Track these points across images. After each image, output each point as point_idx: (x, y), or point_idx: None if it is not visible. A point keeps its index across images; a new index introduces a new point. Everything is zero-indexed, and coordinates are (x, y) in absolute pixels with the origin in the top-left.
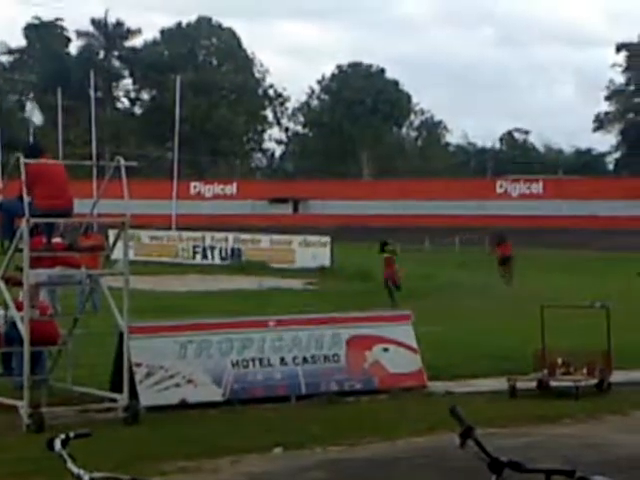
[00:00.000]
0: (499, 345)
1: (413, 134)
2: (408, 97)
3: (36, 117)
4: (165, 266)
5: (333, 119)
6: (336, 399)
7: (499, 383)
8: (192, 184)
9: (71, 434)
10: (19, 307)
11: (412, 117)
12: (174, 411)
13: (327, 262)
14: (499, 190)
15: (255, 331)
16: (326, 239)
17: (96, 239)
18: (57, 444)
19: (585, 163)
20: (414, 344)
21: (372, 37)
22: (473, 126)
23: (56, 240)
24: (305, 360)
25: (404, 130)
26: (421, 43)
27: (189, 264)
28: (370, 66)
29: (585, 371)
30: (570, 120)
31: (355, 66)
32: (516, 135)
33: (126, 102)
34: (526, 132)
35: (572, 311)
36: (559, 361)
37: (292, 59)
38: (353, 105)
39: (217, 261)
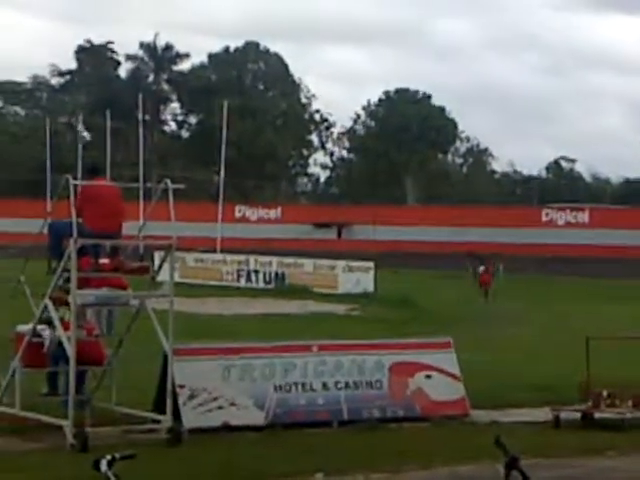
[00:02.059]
0: (543, 374)
1: (459, 161)
2: (454, 124)
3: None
4: (209, 289)
5: (379, 144)
6: (378, 425)
7: (543, 413)
8: (237, 207)
9: (117, 455)
10: (66, 327)
11: (458, 144)
12: (216, 433)
13: (370, 288)
14: (545, 218)
15: (298, 355)
16: (370, 265)
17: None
18: (103, 465)
19: (632, 192)
20: (457, 372)
21: (419, 63)
22: (519, 154)
23: (103, 261)
24: (347, 386)
25: (450, 157)
26: (468, 70)
27: (233, 287)
28: (417, 92)
29: (630, 403)
30: (617, 149)
31: (402, 92)
32: (563, 163)
33: (173, 125)
34: (573, 161)
35: (618, 342)
36: (604, 393)
37: (338, 84)
38: (399, 131)
39: (261, 285)
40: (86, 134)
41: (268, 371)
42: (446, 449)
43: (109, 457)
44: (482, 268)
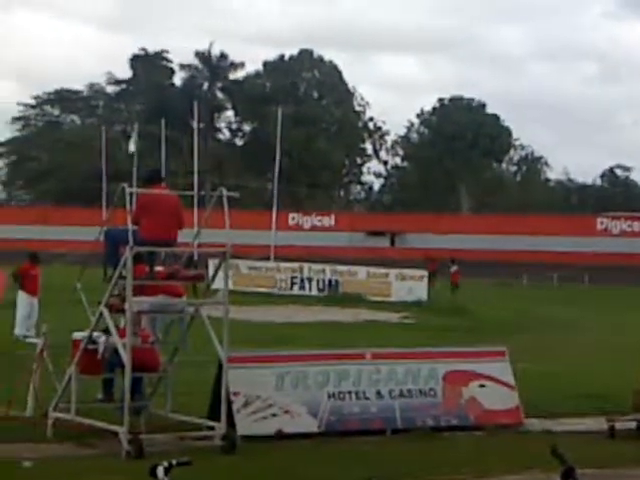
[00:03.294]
0: (598, 384)
1: (513, 169)
2: (508, 132)
3: (131, 145)
4: (263, 296)
5: (432, 153)
6: (432, 434)
7: (597, 423)
8: (291, 215)
9: (173, 462)
10: (121, 334)
11: (512, 152)
12: (270, 441)
13: (424, 296)
14: (600, 227)
15: (352, 363)
16: (423, 273)
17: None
18: (160, 471)
19: None
20: (511, 381)
21: (473, 71)
22: (574, 162)
23: (158, 269)
24: (401, 394)
25: (504, 165)
26: (523, 77)
27: (287, 295)
28: (471, 100)
29: None
30: None
31: (456, 100)
32: (618, 172)
33: (227, 133)
34: (628, 169)
35: None
36: None
37: (392, 92)
38: (453, 139)
39: (314, 292)
40: (139, 143)
41: (322, 379)
42: (500, 458)
43: (166, 464)
44: (454, 268)
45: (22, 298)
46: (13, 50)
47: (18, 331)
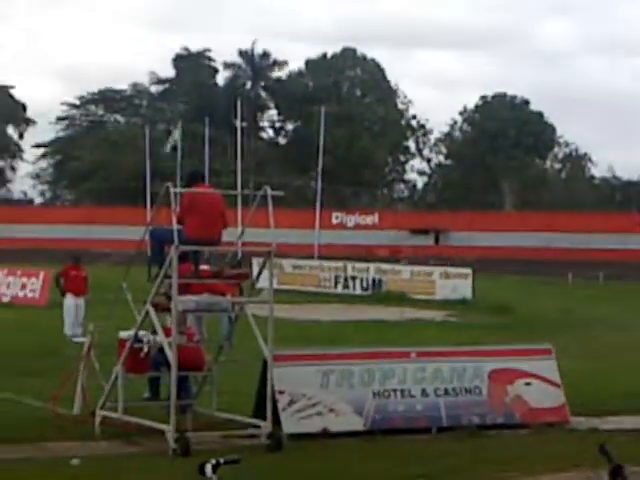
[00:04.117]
0: None
1: (557, 166)
2: (552, 129)
3: (173, 138)
4: (307, 295)
5: (476, 150)
6: (477, 432)
7: None
8: (334, 214)
9: (221, 460)
10: (167, 333)
11: (556, 149)
12: (315, 439)
13: (468, 294)
14: None
15: (397, 362)
16: (467, 271)
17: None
18: (208, 469)
19: None
20: (557, 379)
21: (516, 68)
22: (619, 159)
23: (203, 268)
24: (447, 392)
25: (548, 162)
26: (566, 74)
27: (330, 293)
28: (514, 97)
29: None
30: None
31: (499, 97)
32: None
33: (270, 132)
34: None
35: None
36: None
37: (435, 90)
38: (496, 136)
39: (358, 291)
40: (182, 142)
41: (367, 377)
42: (546, 456)
43: (214, 462)
44: None
45: (66, 299)
46: (57, 51)
47: (66, 331)
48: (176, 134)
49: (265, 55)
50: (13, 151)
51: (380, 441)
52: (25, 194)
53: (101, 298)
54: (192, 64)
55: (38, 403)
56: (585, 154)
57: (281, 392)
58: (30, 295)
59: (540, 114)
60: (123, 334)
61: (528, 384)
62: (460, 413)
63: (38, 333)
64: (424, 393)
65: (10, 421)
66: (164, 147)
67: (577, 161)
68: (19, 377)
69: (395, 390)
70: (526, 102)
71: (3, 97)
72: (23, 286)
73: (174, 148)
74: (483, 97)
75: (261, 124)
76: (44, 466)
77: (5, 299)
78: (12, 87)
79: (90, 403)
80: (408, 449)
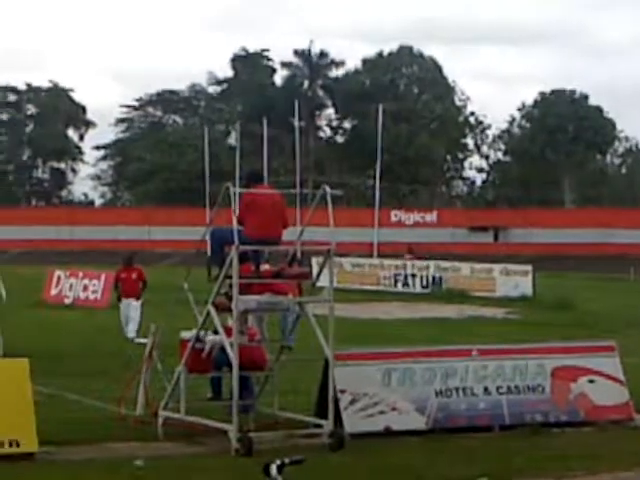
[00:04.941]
0: None
1: (617, 161)
2: (612, 124)
3: (232, 139)
4: (366, 294)
5: (535, 146)
6: (540, 430)
7: None
8: (393, 212)
9: (286, 460)
10: (228, 333)
11: (616, 144)
12: (377, 438)
13: (529, 291)
14: None
15: (458, 360)
16: (528, 268)
17: None
18: (273, 470)
19: None
20: (620, 376)
21: (575, 63)
22: None
23: (264, 267)
24: (509, 390)
25: (608, 157)
26: (626, 68)
27: (390, 292)
28: (573, 92)
29: None
30: None
31: (558, 92)
32: None
33: (328, 131)
34: None
35: None
36: None
37: (493, 86)
38: (555, 132)
39: (418, 289)
40: (240, 142)
41: (429, 376)
42: (611, 454)
43: (279, 462)
44: (409, 257)
45: (122, 302)
46: (116, 53)
47: (127, 333)
48: (233, 139)
49: (322, 54)
50: (74, 153)
51: (442, 440)
52: (86, 196)
53: (162, 299)
54: (250, 64)
55: (101, 404)
56: None
57: (343, 391)
58: (92, 297)
59: (599, 109)
60: (185, 334)
61: (592, 381)
62: (523, 411)
63: (99, 334)
64: (486, 391)
65: (74, 422)
66: (225, 147)
67: (638, 156)
68: (82, 378)
69: (457, 388)
70: (585, 97)
71: (63, 100)
72: (85, 288)
73: (233, 148)
74: (542, 93)
75: (319, 123)
76: (108, 467)
77: (67, 301)
78: (72, 90)
79: (153, 404)
80: (471, 447)
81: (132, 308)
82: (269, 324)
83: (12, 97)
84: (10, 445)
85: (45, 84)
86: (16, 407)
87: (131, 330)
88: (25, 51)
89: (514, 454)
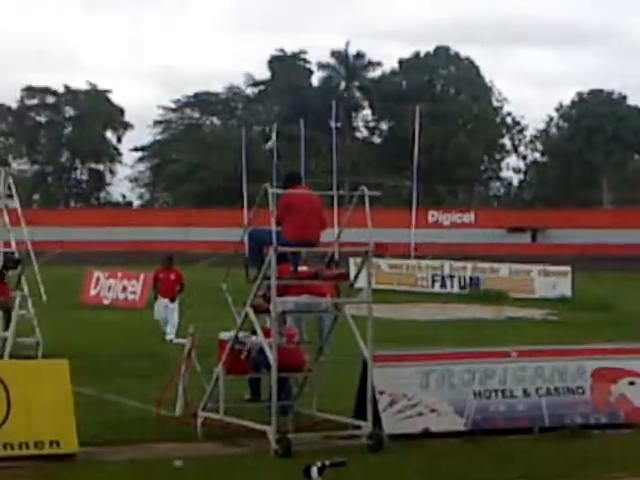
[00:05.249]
0: None
1: None
2: None
3: (269, 143)
4: (404, 294)
5: (572, 147)
6: (580, 432)
7: None
8: (430, 212)
9: (327, 462)
10: (267, 334)
11: None
12: (416, 440)
13: (568, 292)
14: None
15: (497, 361)
16: (566, 268)
17: None
18: (314, 471)
19: None
20: None
21: (613, 63)
22: None
23: (302, 268)
24: (548, 392)
25: None
26: None
27: (427, 293)
28: (611, 93)
29: None
30: None
31: (595, 93)
32: None
33: (365, 132)
34: None
35: None
36: None
37: (530, 86)
38: (593, 133)
39: (455, 290)
40: (277, 143)
41: (467, 377)
42: None
43: (319, 464)
44: None
45: (156, 301)
46: (153, 54)
47: (166, 332)
48: (273, 137)
49: (359, 55)
50: (112, 155)
51: (481, 441)
52: (124, 197)
53: (200, 299)
54: (287, 66)
55: (140, 405)
56: None
57: (381, 392)
58: (130, 297)
59: (638, 109)
60: (223, 335)
61: (632, 383)
62: (562, 413)
63: (138, 335)
64: (526, 393)
65: (114, 422)
66: (262, 148)
67: None
68: (121, 379)
69: (496, 390)
70: (624, 97)
71: (101, 101)
72: (123, 288)
73: (271, 150)
74: (579, 93)
75: (355, 124)
76: (147, 467)
77: (106, 301)
78: (110, 91)
79: (192, 404)
80: (510, 449)
81: (169, 310)
82: (307, 325)
83: (51, 99)
84: (51, 445)
85: (83, 86)
86: (57, 408)
87: (170, 332)
88: (63, 53)
89: (554, 456)
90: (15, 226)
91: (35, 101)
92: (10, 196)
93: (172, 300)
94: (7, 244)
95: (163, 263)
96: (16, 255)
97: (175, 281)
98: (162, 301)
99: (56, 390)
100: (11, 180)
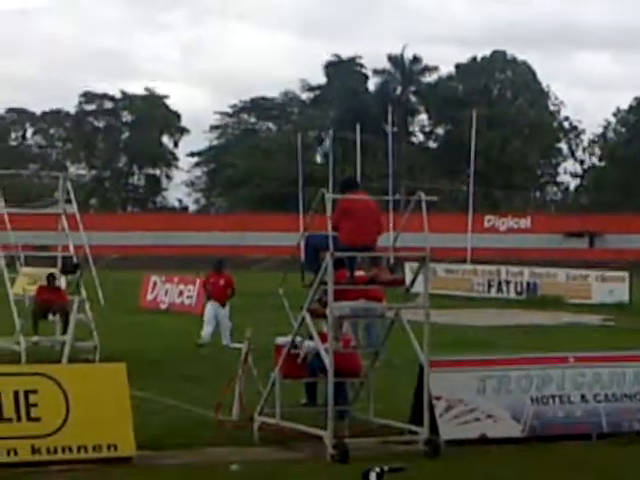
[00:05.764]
0: None
1: None
2: None
3: (324, 147)
4: (460, 300)
5: (630, 151)
6: (638, 439)
7: None
8: (486, 217)
9: (385, 468)
10: (323, 339)
11: None
12: (472, 445)
13: (626, 298)
14: None
15: (555, 367)
16: (624, 274)
17: None
18: (373, 477)
19: None
20: None
21: None
22: None
23: (359, 273)
24: (607, 398)
25: None
26: None
27: (484, 298)
28: None
29: None
30: None
31: None
32: None
33: (421, 136)
34: None
35: None
36: None
37: (587, 91)
38: None
39: (512, 295)
40: (333, 148)
41: (524, 383)
42: None
43: (378, 469)
44: None
45: (206, 305)
46: (210, 60)
47: (222, 340)
48: (326, 147)
49: (415, 60)
50: (168, 160)
51: (539, 448)
52: (180, 202)
53: (256, 304)
54: (343, 71)
55: (197, 409)
56: None
57: (438, 398)
58: (187, 302)
59: None
60: (280, 340)
61: None
62: (621, 419)
63: (194, 339)
64: (583, 399)
65: (170, 427)
66: (318, 153)
67: None
68: (178, 383)
69: (554, 396)
70: None
71: (158, 106)
72: (180, 293)
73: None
74: (637, 98)
75: (411, 129)
76: (204, 471)
77: (163, 306)
78: (167, 97)
79: (248, 409)
80: (568, 456)
81: (222, 315)
82: (364, 331)
83: (108, 105)
84: (108, 449)
85: (140, 91)
86: (114, 411)
87: (225, 337)
88: (120, 59)
89: (613, 463)
90: (73, 231)
91: (93, 106)
92: (68, 201)
93: (223, 305)
94: (65, 249)
95: (213, 268)
96: (74, 260)
97: (225, 286)
98: (214, 303)
99: (113, 394)
100: (69, 185)
